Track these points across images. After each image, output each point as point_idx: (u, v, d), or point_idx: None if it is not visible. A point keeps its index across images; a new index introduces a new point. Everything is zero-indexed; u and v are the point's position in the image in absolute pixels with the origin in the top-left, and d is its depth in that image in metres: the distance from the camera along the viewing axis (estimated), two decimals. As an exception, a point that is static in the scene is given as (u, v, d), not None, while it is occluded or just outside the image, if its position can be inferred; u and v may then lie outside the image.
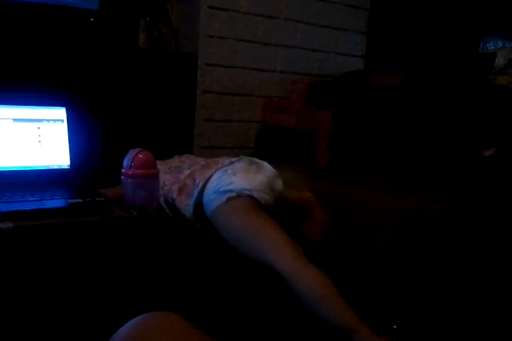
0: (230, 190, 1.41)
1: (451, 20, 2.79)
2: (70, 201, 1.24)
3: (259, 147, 2.64)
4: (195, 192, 1.49)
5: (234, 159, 1.60)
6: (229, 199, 1.40)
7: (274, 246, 1.30)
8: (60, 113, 1.44)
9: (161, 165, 1.57)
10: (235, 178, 1.44)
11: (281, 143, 2.54)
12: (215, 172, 1.51)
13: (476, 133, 2.03)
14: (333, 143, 2.40)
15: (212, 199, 1.43)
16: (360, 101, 2.38)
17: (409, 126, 2.14)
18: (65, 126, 1.44)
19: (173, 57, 2.43)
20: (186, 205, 1.51)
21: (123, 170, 1.35)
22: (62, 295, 1.14)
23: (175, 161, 1.75)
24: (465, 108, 2.04)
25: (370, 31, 2.93)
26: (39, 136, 1.40)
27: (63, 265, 1.14)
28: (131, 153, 1.36)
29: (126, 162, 1.35)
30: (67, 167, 1.44)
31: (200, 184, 1.49)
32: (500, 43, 2.94)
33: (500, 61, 2.12)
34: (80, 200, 1.24)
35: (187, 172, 1.59)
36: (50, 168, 1.41)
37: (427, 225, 1.84)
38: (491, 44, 2.92)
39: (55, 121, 1.43)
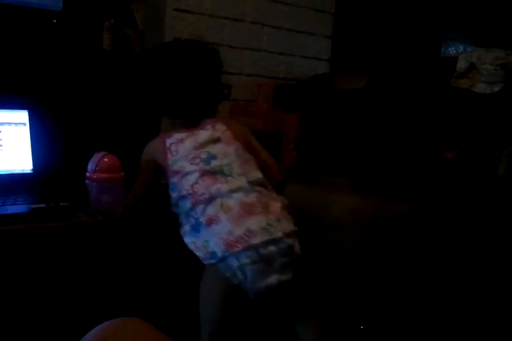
0: None
1: (414, 25, 2.85)
2: (33, 206, 1.22)
3: (226, 150, 2.63)
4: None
5: None
6: None
7: None
8: (22, 116, 1.41)
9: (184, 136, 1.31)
10: None
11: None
12: None
13: (438, 136, 2.07)
14: (299, 145, 2.41)
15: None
16: (325, 105, 2.40)
17: (373, 128, 2.17)
18: (27, 129, 1.41)
19: (138, 60, 2.40)
20: (206, 241, 1.20)
21: (87, 174, 1.33)
22: (25, 302, 1.11)
23: (207, 143, 1.32)
24: (427, 111, 2.08)
25: (336, 35, 2.96)
26: (0, 139, 1.37)
27: (25, 271, 1.12)
28: (96, 156, 1.34)
29: (90, 166, 1.33)
30: (29, 171, 1.41)
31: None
32: (461, 47, 3.01)
33: (461, 65, 2.17)
34: (43, 205, 1.21)
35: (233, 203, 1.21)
36: (12, 172, 1.38)
37: (390, 225, 1.88)
38: (453, 48, 2.98)
39: (16, 124, 1.40)
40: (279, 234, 1.16)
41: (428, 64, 2.28)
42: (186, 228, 1.25)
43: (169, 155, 1.29)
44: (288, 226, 1.20)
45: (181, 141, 1.31)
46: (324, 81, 2.59)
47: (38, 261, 1.13)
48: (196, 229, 1.22)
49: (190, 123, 1.36)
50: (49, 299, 1.12)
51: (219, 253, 1.14)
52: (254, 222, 1.16)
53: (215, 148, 1.30)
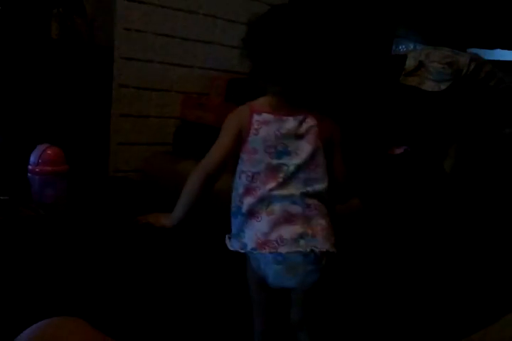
0: None
1: (365, 22, 2.88)
2: (-30, 200, 1.17)
3: (178, 143, 2.60)
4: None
5: None
6: None
7: None
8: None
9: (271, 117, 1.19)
10: None
11: (200, 139, 2.52)
12: None
13: (386, 132, 2.11)
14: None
15: None
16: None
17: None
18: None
19: (87, 50, 2.34)
20: (242, 231, 1.20)
21: (30, 167, 1.28)
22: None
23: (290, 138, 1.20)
24: (376, 107, 2.11)
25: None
26: None
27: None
28: (39, 148, 1.30)
29: (33, 158, 1.29)
30: (-32, 164, 1.36)
31: None
32: (411, 45, 3.06)
33: (411, 62, 2.21)
34: (-18, 199, 1.17)
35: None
36: (-51, 164, 1.33)
37: (340, 219, 1.90)
38: (403, 46, 3.04)
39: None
40: (307, 250, 1.14)
41: (377, 61, 2.31)
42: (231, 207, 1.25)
43: (251, 131, 1.19)
44: (322, 245, 1.16)
45: (267, 123, 1.19)
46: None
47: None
48: (236, 215, 1.21)
49: (287, 97, 1.22)
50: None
51: (249, 247, 1.16)
52: (288, 231, 1.15)
53: (294, 144, 1.20)
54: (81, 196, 1.49)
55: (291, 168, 1.18)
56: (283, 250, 1.13)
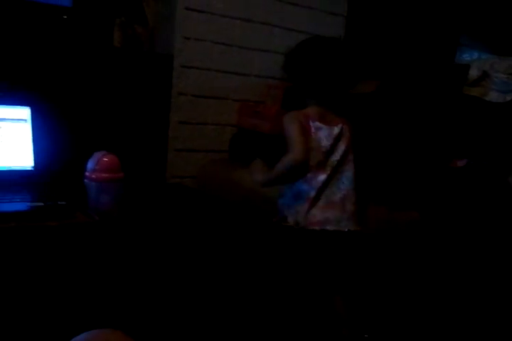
0: None
1: (428, 30, 2.81)
2: (30, 204, 1.20)
3: (233, 151, 2.61)
4: None
5: None
6: None
7: None
8: (24, 112, 1.40)
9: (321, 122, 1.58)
10: None
11: (255, 147, 2.52)
12: None
13: (448, 144, 2.03)
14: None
15: None
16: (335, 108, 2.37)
17: (382, 134, 2.14)
18: (28, 126, 1.39)
19: (148, 58, 2.39)
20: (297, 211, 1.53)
21: (86, 174, 1.31)
22: (19, 303, 1.10)
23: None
24: (438, 118, 2.05)
25: (348, 38, 2.92)
26: (0, 135, 1.35)
27: (20, 271, 1.10)
28: (96, 155, 1.32)
29: (90, 165, 1.31)
30: (30, 168, 1.40)
31: None
32: (476, 54, 2.95)
33: (474, 73, 2.14)
34: (41, 204, 1.20)
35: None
36: (12, 168, 1.37)
37: (398, 233, 1.84)
38: (467, 55, 2.93)
39: (18, 120, 1.38)
40: (345, 229, 1.51)
41: (440, 70, 2.24)
42: (287, 192, 1.57)
43: (312, 131, 1.55)
44: (354, 226, 1.53)
45: (320, 129, 1.56)
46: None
47: (31, 261, 1.11)
48: (296, 198, 1.54)
49: (322, 104, 1.64)
50: (40, 300, 1.10)
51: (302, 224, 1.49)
52: (332, 215, 1.50)
53: (338, 145, 1.57)
54: (136, 202, 1.51)
55: (334, 163, 1.55)
56: (329, 227, 1.51)
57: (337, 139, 1.57)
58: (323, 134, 1.56)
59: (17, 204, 1.18)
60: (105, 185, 1.30)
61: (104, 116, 2.14)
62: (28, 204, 1.20)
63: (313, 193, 1.50)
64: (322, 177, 1.51)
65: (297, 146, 1.50)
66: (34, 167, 1.40)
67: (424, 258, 1.82)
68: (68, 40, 2.13)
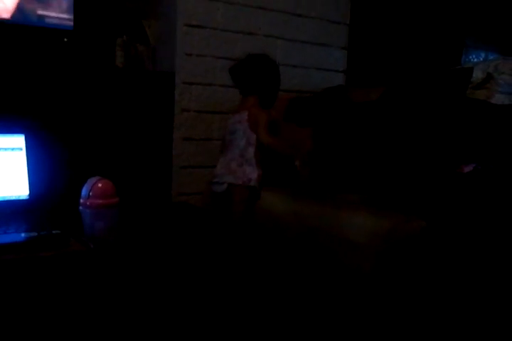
0: None
1: (433, 33, 2.77)
2: (24, 235, 1.20)
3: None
4: None
5: None
6: None
7: None
8: (19, 140, 1.40)
9: None
10: None
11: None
12: None
13: (454, 149, 1.99)
14: (313, 160, 2.36)
15: None
16: (340, 118, 2.35)
17: (387, 142, 2.10)
18: (23, 154, 1.40)
19: (150, 76, 2.40)
20: None
21: (81, 201, 1.30)
22: (15, 335, 1.09)
23: None
24: (443, 123, 2.01)
25: (351, 46, 2.90)
26: (-4, 166, 1.36)
27: (15, 303, 1.09)
28: (90, 182, 1.31)
29: (84, 191, 1.30)
30: (25, 197, 1.40)
31: None
32: (483, 55, 2.90)
33: (478, 75, 2.09)
34: (35, 234, 1.20)
35: None
36: (7, 199, 1.37)
37: (406, 243, 1.80)
38: (474, 56, 2.88)
39: (13, 149, 1.39)
40: None
41: (443, 75, 2.20)
42: None
43: None
44: None
45: None
46: (339, 93, 2.54)
47: (27, 292, 1.10)
48: None
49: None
50: (37, 332, 1.10)
51: None
52: None
53: None
54: (137, 227, 1.50)
55: None
56: None
57: None
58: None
59: (11, 236, 1.18)
60: (100, 212, 1.29)
61: (105, 138, 2.15)
62: (22, 235, 1.20)
63: None
64: None
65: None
66: (29, 195, 1.40)
67: (433, 268, 1.77)
68: (69, 63, 2.14)
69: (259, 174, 2.01)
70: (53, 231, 1.22)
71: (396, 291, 1.74)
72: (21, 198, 1.39)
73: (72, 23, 2.19)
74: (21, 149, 1.40)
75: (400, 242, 1.81)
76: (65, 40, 2.22)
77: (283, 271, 1.77)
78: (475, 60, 2.85)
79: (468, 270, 1.74)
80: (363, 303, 1.71)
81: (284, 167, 2.41)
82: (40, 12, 2.10)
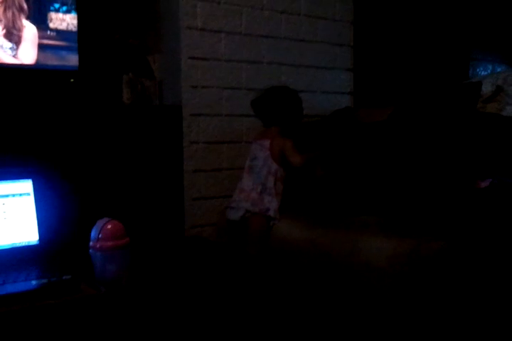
0: None
1: (438, 48, 2.76)
2: (34, 282, 1.18)
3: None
4: None
5: None
6: None
7: None
8: (26, 186, 1.40)
9: None
10: None
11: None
12: None
13: (469, 165, 1.95)
14: (323, 184, 2.33)
15: None
16: (349, 140, 2.32)
17: (400, 162, 2.07)
18: (31, 199, 1.39)
19: (157, 111, 2.41)
20: None
21: (91, 244, 1.28)
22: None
23: None
24: (455, 139, 1.97)
25: (357, 67, 2.89)
26: (4, 212, 1.35)
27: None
28: (99, 224, 1.30)
29: (93, 234, 1.29)
30: (35, 242, 1.38)
31: None
32: (490, 67, 2.88)
33: (487, 88, 2.07)
34: (46, 280, 1.18)
35: None
36: (17, 245, 1.36)
37: (426, 266, 1.75)
38: (481, 69, 2.86)
39: (21, 195, 1.38)
40: None
41: (451, 91, 2.17)
42: None
43: None
44: None
45: None
46: (347, 115, 2.52)
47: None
48: None
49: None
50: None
51: None
52: None
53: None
54: (149, 266, 1.47)
55: None
56: None
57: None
58: None
59: (20, 285, 1.16)
60: (110, 254, 1.27)
61: (114, 176, 2.14)
62: (33, 282, 1.18)
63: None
64: None
65: None
66: (39, 240, 1.39)
67: (456, 289, 1.72)
68: (75, 104, 2.15)
69: (277, 206, 2.03)
70: (64, 277, 1.20)
71: (418, 314, 1.69)
72: (31, 243, 1.38)
73: (76, 64, 2.21)
74: (29, 194, 1.39)
75: (421, 264, 1.76)
76: (72, 80, 2.24)
77: (301, 300, 1.73)
78: (482, 72, 2.83)
79: (492, 290, 1.68)
80: (385, 327, 1.67)
81: (299, 194, 2.38)
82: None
